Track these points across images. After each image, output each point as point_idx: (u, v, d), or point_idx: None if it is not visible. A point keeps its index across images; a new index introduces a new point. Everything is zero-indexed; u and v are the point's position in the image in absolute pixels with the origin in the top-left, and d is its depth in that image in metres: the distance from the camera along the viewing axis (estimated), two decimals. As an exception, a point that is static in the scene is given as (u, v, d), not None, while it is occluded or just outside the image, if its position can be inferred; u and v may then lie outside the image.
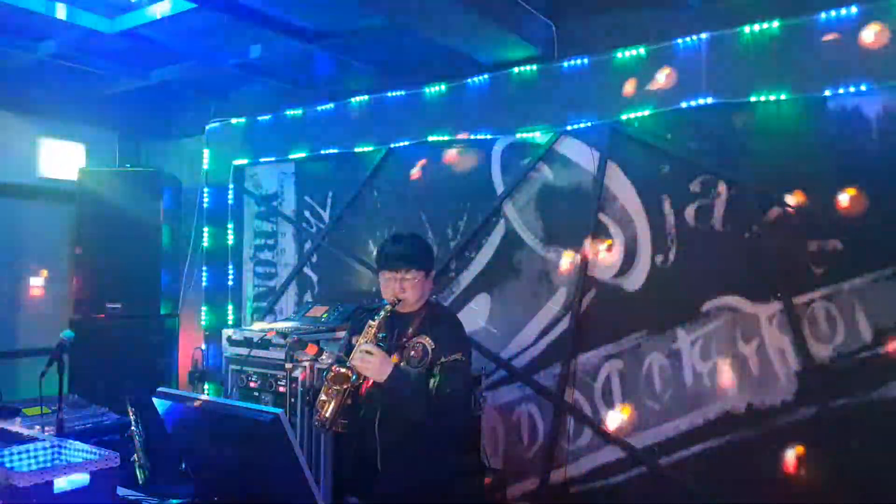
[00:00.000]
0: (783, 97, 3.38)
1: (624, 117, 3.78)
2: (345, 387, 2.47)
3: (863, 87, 3.18)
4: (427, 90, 4.47)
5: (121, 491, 2.30)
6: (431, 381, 2.51)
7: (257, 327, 4.35)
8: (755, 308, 3.47)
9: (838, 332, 3.26)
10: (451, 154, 4.47)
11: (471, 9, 3.49)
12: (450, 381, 2.51)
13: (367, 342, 2.51)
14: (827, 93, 3.27)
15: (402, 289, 2.62)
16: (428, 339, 2.60)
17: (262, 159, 5.38)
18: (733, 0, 3.57)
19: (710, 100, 3.52)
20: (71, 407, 3.59)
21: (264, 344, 3.96)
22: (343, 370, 2.49)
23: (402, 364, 2.56)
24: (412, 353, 2.59)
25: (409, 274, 2.62)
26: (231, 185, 5.55)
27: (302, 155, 5.13)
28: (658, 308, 3.73)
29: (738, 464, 3.46)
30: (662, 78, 3.63)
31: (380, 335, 2.58)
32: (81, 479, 1.98)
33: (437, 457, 2.63)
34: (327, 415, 2.46)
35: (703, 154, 3.62)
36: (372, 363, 2.44)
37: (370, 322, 2.59)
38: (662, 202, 3.75)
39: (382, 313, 2.59)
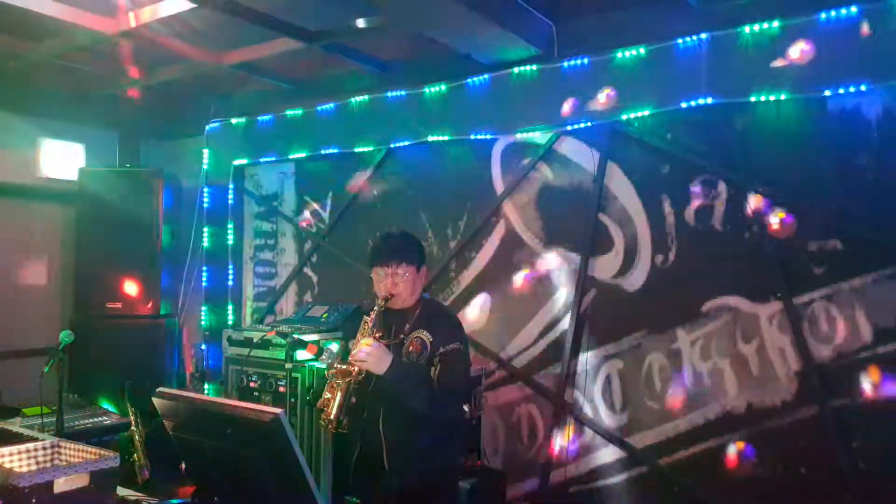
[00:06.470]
0: (783, 97, 3.38)
1: (624, 117, 3.78)
2: (347, 380, 2.53)
3: (863, 87, 3.18)
4: (427, 90, 4.47)
5: (121, 491, 2.30)
6: (432, 370, 2.55)
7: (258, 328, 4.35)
8: (755, 308, 3.47)
9: (838, 332, 3.27)
10: (451, 154, 4.47)
11: (471, 9, 3.49)
12: (452, 370, 2.55)
13: (364, 337, 2.57)
14: (827, 93, 3.27)
15: (395, 284, 2.65)
16: (425, 332, 2.63)
17: (262, 159, 5.38)
18: (733, 0, 3.57)
19: (710, 100, 3.52)
20: (71, 407, 3.59)
21: (264, 344, 3.96)
22: (344, 366, 2.54)
23: (402, 359, 2.58)
24: (410, 347, 2.62)
25: (399, 269, 2.65)
26: (231, 185, 5.55)
27: (302, 155, 5.13)
28: (658, 308, 3.73)
29: (738, 464, 3.46)
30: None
31: (378, 334, 2.61)
32: (81, 479, 1.98)
33: (441, 451, 2.65)
34: (333, 412, 2.53)
35: (703, 154, 3.62)
36: (370, 356, 2.47)
37: (365, 318, 2.65)
38: (662, 202, 3.75)
39: (375, 308, 2.64)
